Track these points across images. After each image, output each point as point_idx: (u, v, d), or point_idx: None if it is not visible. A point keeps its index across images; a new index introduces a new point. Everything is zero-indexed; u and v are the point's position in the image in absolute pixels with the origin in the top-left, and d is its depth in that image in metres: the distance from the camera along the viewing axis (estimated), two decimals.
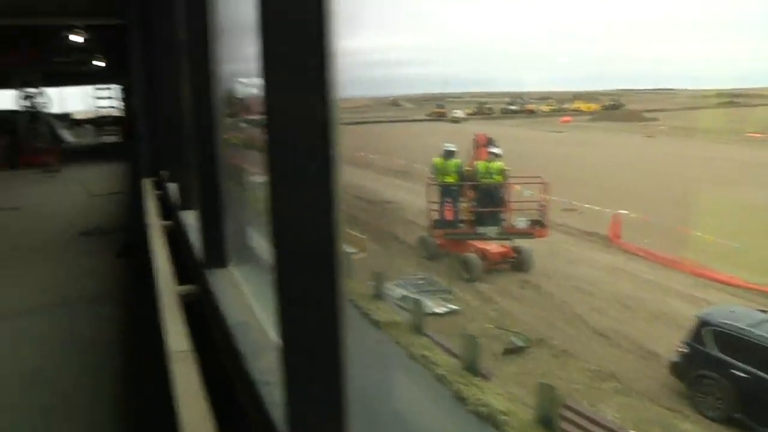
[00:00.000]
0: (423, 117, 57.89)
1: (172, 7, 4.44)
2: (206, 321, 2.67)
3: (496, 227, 13.74)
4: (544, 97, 72.50)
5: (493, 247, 13.51)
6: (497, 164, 13.91)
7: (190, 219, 3.80)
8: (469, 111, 60.77)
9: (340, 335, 1.22)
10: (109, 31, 19.63)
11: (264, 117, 1.24)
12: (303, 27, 1.09)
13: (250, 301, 2.37)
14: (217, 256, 2.73)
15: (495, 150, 14.26)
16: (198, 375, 2.02)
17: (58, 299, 5.62)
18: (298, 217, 1.20)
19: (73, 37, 21.00)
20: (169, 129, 6.03)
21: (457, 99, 72.12)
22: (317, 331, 1.22)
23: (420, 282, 12.23)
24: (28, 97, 20.19)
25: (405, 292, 11.44)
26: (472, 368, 7.36)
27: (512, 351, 9.38)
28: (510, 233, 13.61)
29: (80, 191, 12.51)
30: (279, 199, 1.26)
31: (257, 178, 2.64)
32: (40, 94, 20.33)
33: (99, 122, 33.09)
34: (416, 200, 16.98)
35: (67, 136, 27.68)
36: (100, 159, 19.46)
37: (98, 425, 3.54)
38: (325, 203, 1.14)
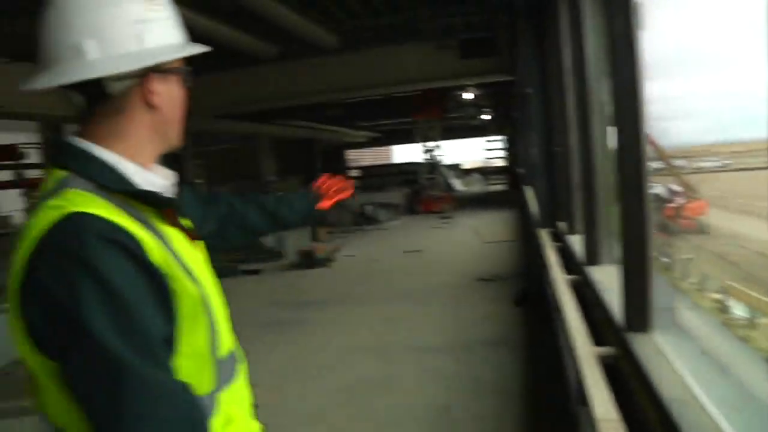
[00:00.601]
0: None
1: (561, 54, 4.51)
2: (624, 389, 2.52)
3: None
4: None
5: None
6: None
7: (600, 275, 3.70)
8: None
9: None
10: (496, 86, 21.01)
11: None
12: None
13: (683, 376, 2.15)
14: (639, 319, 2.56)
15: None
16: None
17: (459, 340, 5.98)
18: None
19: (465, 95, 23.00)
20: (564, 180, 6.08)
21: None
22: None
23: None
24: (427, 150, 22.59)
25: None
26: None
27: None
28: None
29: (473, 237, 13.40)
30: None
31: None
32: (438, 147, 22.56)
33: (485, 171, 35.46)
34: None
35: (458, 184, 30.17)
36: (487, 206, 20.72)
37: None
38: None
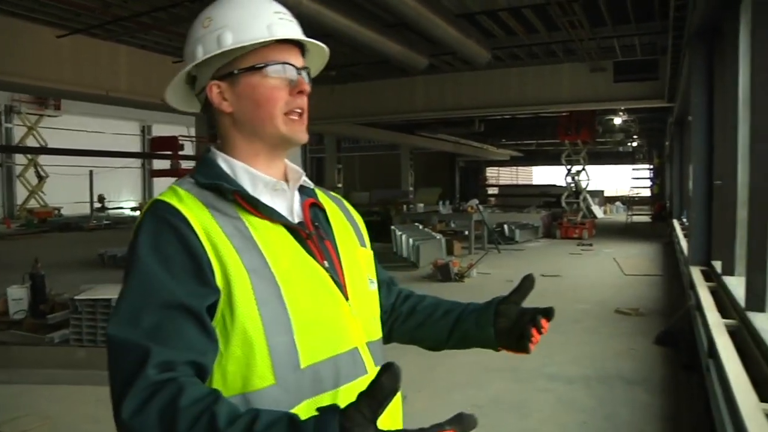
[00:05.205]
0: None
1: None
2: None
3: None
4: None
5: None
6: None
7: (765, 323, 3.39)
8: None
9: None
10: (649, 112, 20.04)
11: None
12: None
13: None
14: None
15: None
16: None
17: (595, 373, 5.72)
18: None
19: (615, 120, 22.14)
20: (724, 216, 5.66)
21: None
22: None
23: None
24: (571, 174, 21.94)
25: None
26: None
27: None
28: None
29: (613, 267, 12.82)
30: None
31: None
32: (582, 171, 21.85)
33: (629, 201, 33.97)
34: None
35: (599, 212, 29.06)
36: (629, 237, 19.78)
37: None
38: None
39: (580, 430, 4.49)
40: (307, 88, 1.24)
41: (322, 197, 1.38)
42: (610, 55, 13.23)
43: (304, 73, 1.24)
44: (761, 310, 3.68)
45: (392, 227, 13.76)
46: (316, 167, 34.31)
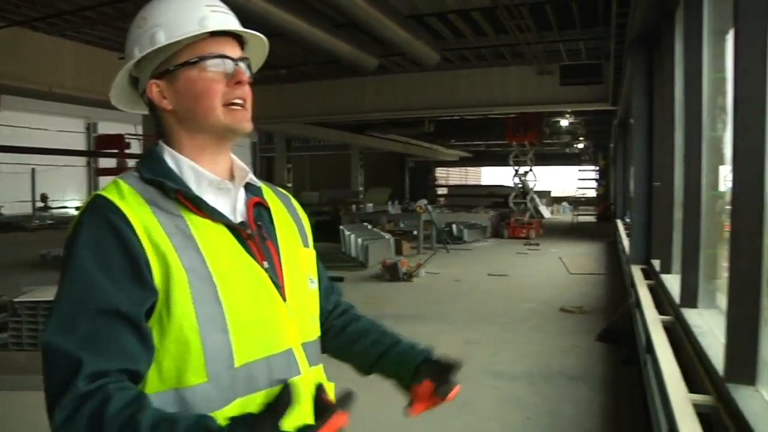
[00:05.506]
0: None
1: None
2: None
3: None
4: None
5: None
6: None
7: (698, 319, 3.53)
8: None
9: None
10: (594, 115, 20.53)
11: None
12: None
13: None
14: (743, 371, 2.42)
15: None
16: None
17: (538, 370, 5.84)
18: None
19: (562, 122, 22.60)
20: (662, 216, 5.86)
21: None
22: None
23: None
24: (519, 175, 22.30)
25: None
26: None
27: None
28: None
29: (558, 267, 13.11)
30: None
31: None
32: (530, 172, 22.24)
33: (575, 201, 34.72)
34: None
35: (546, 212, 29.62)
36: (575, 237, 20.24)
37: None
38: None
39: (524, 427, 4.58)
40: (246, 78, 1.24)
41: (269, 195, 1.39)
42: (556, 58, 13.52)
43: (242, 64, 1.24)
44: (694, 306, 3.84)
45: (341, 227, 13.78)
46: (266, 166, 34.04)
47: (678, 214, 4.94)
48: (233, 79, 1.22)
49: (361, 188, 31.79)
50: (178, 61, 1.21)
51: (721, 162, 3.90)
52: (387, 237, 14.42)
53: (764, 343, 2.43)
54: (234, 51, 1.25)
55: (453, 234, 17.97)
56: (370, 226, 15.22)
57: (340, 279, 10.79)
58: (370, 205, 19.86)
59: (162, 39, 1.20)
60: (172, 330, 1.09)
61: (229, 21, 1.25)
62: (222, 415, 1.06)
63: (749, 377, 2.41)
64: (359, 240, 13.06)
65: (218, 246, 1.17)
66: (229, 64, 1.22)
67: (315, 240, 1.48)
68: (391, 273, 11.15)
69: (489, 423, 4.64)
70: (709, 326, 3.42)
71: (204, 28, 1.20)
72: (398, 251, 14.21)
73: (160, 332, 1.09)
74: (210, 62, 1.20)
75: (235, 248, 1.19)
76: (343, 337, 1.50)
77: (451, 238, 17.48)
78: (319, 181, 34.49)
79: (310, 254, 1.41)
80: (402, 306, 8.98)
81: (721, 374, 2.55)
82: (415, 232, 16.26)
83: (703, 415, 2.54)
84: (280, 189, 1.47)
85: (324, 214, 18.56)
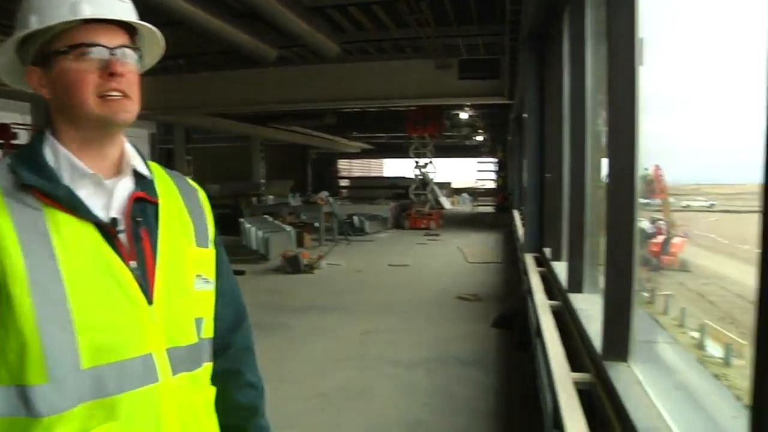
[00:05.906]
0: None
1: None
2: (599, 416, 2.56)
3: None
4: None
5: None
6: None
7: (582, 303, 3.75)
8: None
9: None
10: (492, 109, 21.20)
11: None
12: None
13: (657, 406, 2.19)
14: (618, 349, 2.60)
15: None
16: None
17: (435, 357, 6.01)
18: None
19: (461, 115, 23.18)
20: (553, 206, 6.14)
21: None
22: None
23: None
24: (419, 166, 22.71)
25: None
26: None
27: None
28: None
29: (457, 256, 13.46)
30: None
31: None
32: (430, 164, 22.68)
33: (474, 192, 35.70)
34: None
35: (447, 203, 30.29)
36: (474, 227, 20.83)
37: None
38: None
39: (422, 411, 4.71)
40: (121, 69, 1.15)
41: (167, 187, 1.30)
42: (455, 53, 13.85)
43: (119, 53, 1.16)
44: (579, 291, 4.07)
45: (241, 220, 13.58)
46: (166, 158, 32.91)
47: (566, 205, 5.19)
48: (106, 70, 1.14)
49: (263, 181, 31.37)
50: (53, 48, 1.15)
51: (604, 155, 4.14)
52: (288, 229, 14.34)
53: (635, 322, 2.63)
54: (112, 39, 1.16)
55: (354, 225, 18.08)
56: (271, 219, 15.08)
57: (242, 272, 10.65)
58: (271, 197, 19.67)
59: (33, 23, 1.14)
60: (12, 327, 1.05)
61: (108, 7, 1.16)
62: (68, 418, 1.04)
63: (622, 354, 2.60)
64: (260, 232, 12.93)
65: (77, 244, 1.11)
66: (103, 54, 1.14)
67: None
68: (292, 265, 11.11)
69: (387, 409, 4.74)
70: (593, 310, 3.64)
71: (75, 14, 1.13)
72: (300, 243, 14.16)
73: (3, 325, 1.05)
74: (81, 51, 1.13)
75: (98, 246, 1.12)
76: (217, 387, 1.37)
77: (353, 230, 17.59)
78: (221, 174, 33.69)
79: (204, 253, 1.32)
80: (303, 298, 8.97)
81: (599, 353, 2.73)
82: (316, 224, 16.24)
83: (583, 391, 2.72)
84: (190, 182, 1.39)
85: (225, 207, 18.20)
